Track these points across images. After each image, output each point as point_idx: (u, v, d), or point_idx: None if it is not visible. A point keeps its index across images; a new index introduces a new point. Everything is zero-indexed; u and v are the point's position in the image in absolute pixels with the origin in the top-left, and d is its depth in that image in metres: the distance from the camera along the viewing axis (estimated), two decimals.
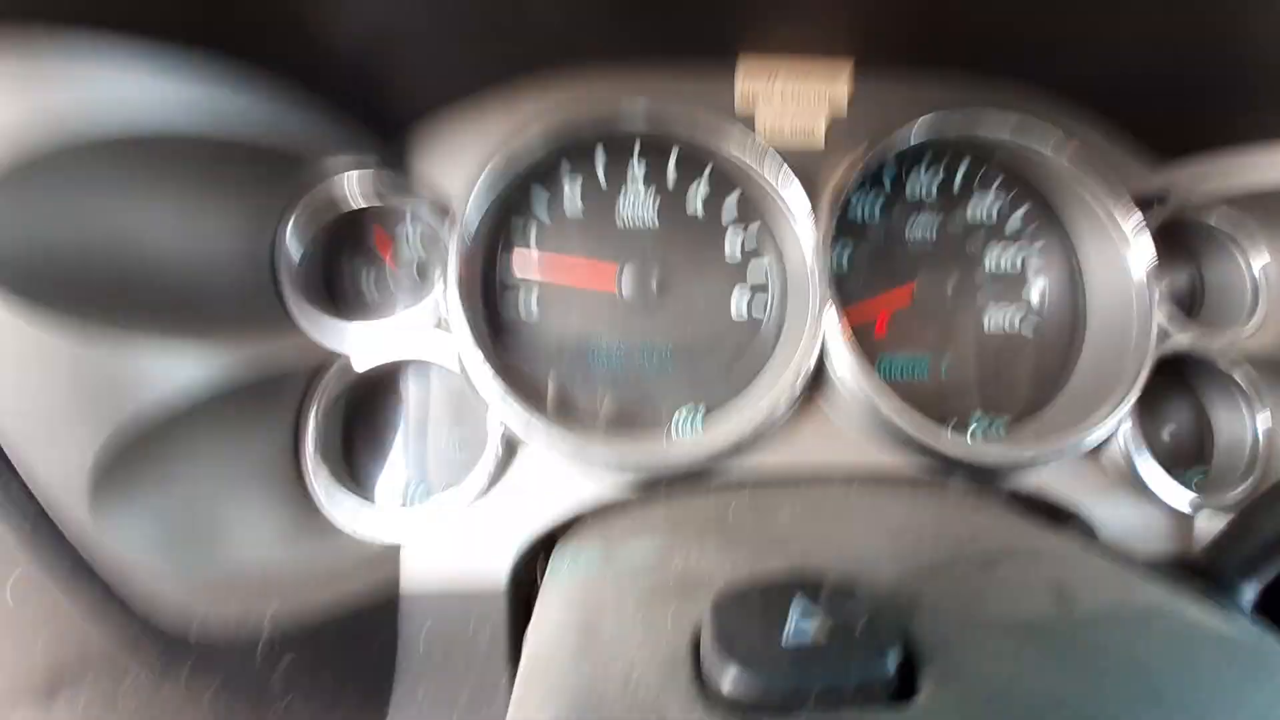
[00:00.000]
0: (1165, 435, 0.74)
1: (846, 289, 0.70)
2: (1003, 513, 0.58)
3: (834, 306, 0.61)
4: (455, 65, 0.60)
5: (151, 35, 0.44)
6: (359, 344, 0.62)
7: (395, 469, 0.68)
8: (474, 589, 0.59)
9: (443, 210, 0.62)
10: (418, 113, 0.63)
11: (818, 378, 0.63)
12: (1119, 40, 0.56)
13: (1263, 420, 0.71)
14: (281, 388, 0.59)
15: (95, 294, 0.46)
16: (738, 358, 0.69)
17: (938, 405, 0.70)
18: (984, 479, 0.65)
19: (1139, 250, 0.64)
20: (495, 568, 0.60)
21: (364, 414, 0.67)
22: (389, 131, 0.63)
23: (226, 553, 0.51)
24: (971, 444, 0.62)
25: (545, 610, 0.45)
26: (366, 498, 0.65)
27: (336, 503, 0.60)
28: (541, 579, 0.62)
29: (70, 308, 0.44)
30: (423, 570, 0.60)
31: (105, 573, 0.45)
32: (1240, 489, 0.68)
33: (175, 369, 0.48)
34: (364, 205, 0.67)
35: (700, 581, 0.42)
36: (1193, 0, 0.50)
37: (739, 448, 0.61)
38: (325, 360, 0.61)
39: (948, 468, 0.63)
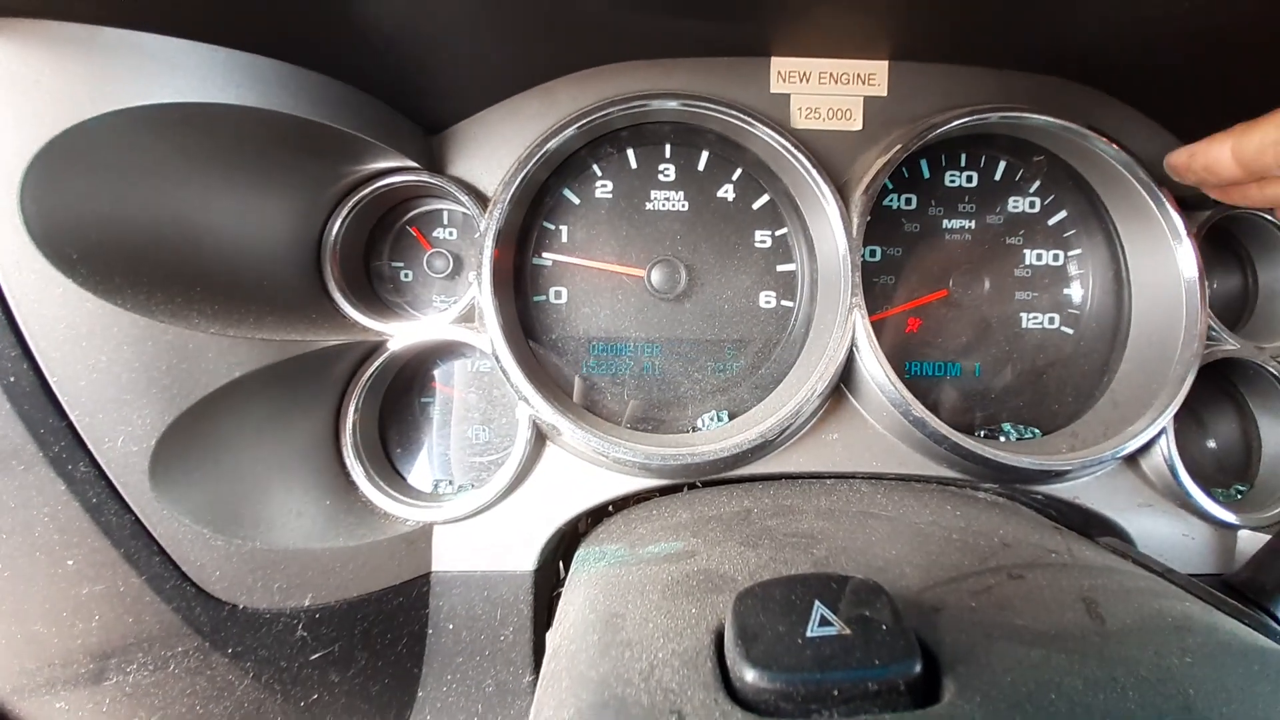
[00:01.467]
0: (1209, 445, 0.72)
1: (879, 282, 0.69)
2: (1034, 520, 0.57)
3: (863, 302, 0.60)
4: (500, 68, 0.61)
5: (206, 39, 0.46)
6: (398, 334, 0.64)
7: (429, 454, 0.70)
8: (501, 572, 0.61)
9: (480, 203, 0.63)
10: (463, 112, 0.64)
11: (849, 375, 0.63)
12: (1152, 33, 0.54)
13: None
14: (323, 373, 0.61)
15: (160, 272, 0.48)
16: (765, 354, 0.69)
17: (971, 405, 0.69)
18: (1017, 485, 0.64)
19: (1188, 249, 0.62)
20: (522, 555, 0.62)
21: (399, 402, 0.70)
22: (433, 130, 0.64)
23: (271, 528, 0.54)
24: (1004, 448, 0.60)
25: (569, 603, 0.46)
26: (402, 481, 0.68)
27: (373, 484, 0.63)
28: (566, 570, 0.63)
29: (137, 284, 0.46)
30: (453, 551, 0.62)
31: (164, 543, 0.47)
32: None
33: (231, 349, 0.50)
34: (405, 200, 0.69)
35: (724, 578, 0.43)
36: None
37: (765, 447, 0.61)
38: (365, 349, 0.64)
39: (979, 472, 0.62)
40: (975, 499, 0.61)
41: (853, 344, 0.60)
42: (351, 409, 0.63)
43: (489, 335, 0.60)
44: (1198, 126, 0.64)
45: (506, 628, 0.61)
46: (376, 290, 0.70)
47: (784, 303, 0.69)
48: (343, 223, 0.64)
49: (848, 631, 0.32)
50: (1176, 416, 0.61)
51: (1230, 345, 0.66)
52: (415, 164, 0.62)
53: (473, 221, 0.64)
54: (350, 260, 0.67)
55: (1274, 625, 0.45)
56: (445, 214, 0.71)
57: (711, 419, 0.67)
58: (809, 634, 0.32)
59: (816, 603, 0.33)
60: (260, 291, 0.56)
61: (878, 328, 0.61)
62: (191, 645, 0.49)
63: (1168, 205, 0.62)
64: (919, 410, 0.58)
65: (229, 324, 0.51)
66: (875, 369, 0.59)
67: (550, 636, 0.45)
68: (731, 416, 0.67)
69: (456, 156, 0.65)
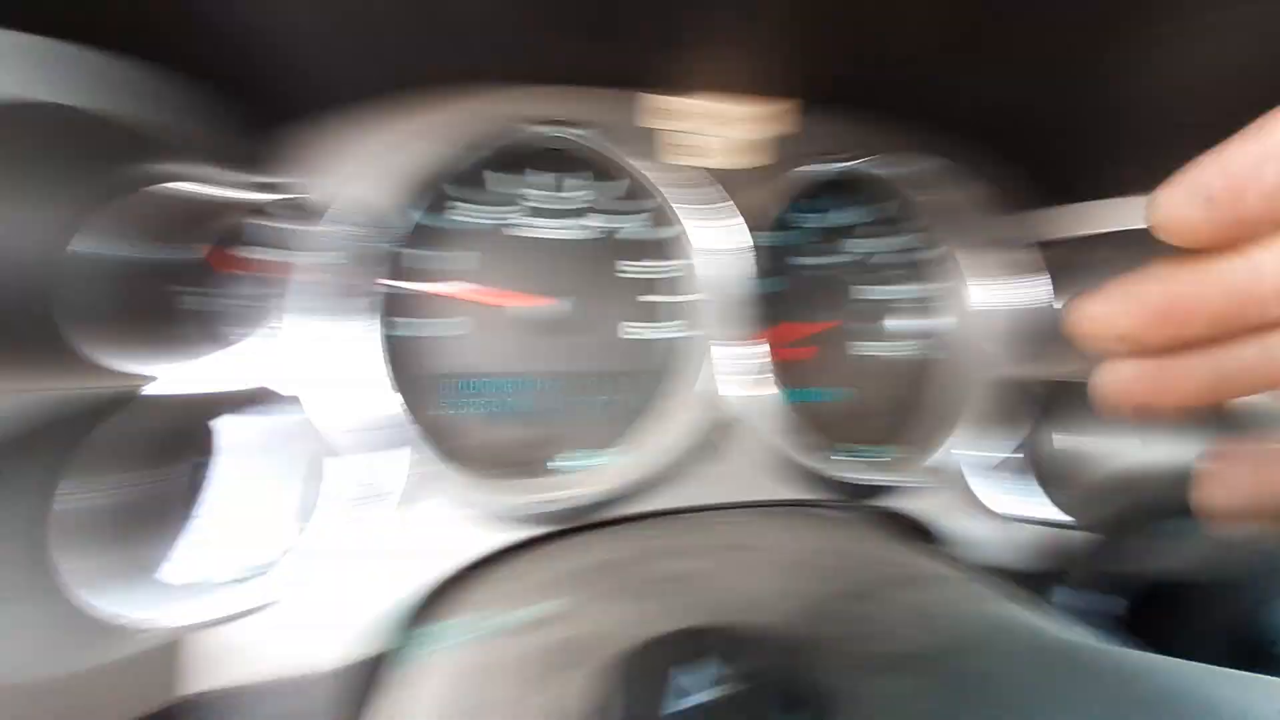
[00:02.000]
0: (1018, 454, 0.80)
1: (750, 313, 0.69)
2: (873, 538, 0.60)
3: (737, 332, 0.61)
4: (350, 69, 0.52)
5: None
6: (174, 377, 0.49)
7: (197, 535, 0.54)
8: (295, 679, 0.48)
9: (306, 219, 0.53)
10: (296, 113, 0.54)
11: (720, 405, 0.63)
12: (1024, 89, 0.60)
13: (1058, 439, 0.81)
14: (32, 436, 0.44)
15: None
16: (637, 386, 0.66)
17: (838, 431, 0.72)
18: (870, 502, 0.68)
19: (1000, 284, 0.72)
20: (329, 648, 0.50)
21: (159, 467, 0.53)
22: (254, 128, 0.52)
23: None
24: (849, 467, 0.64)
25: (403, 697, 0.37)
26: (152, 576, 0.51)
27: (102, 585, 0.46)
28: (392, 657, 0.52)
29: None
30: (228, 660, 0.48)
31: None
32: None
33: None
34: (207, 212, 0.54)
35: (580, 646, 0.37)
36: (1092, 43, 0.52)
37: (634, 488, 0.58)
38: (109, 399, 0.48)
39: (846, 494, 0.66)
40: (825, 521, 0.63)
41: (725, 374, 0.61)
42: (76, 484, 0.46)
43: (299, 376, 0.49)
44: (1050, 175, 0.72)
45: None
46: (151, 321, 0.54)
47: (657, 334, 0.67)
48: (107, 236, 0.48)
49: (715, 693, 0.29)
50: (997, 430, 0.70)
51: (1018, 370, 0.74)
52: (219, 167, 0.50)
53: (295, 240, 0.53)
54: (115, 283, 0.50)
55: (1056, 608, 0.51)
56: (258, 230, 0.57)
57: (580, 458, 0.62)
58: (672, 700, 0.29)
59: (676, 666, 0.30)
60: None
61: (750, 358, 0.62)
62: None
63: (999, 243, 0.71)
64: (786, 437, 0.61)
65: None
66: (748, 399, 0.60)
67: None
68: (601, 455, 0.63)
69: (279, 164, 0.54)
